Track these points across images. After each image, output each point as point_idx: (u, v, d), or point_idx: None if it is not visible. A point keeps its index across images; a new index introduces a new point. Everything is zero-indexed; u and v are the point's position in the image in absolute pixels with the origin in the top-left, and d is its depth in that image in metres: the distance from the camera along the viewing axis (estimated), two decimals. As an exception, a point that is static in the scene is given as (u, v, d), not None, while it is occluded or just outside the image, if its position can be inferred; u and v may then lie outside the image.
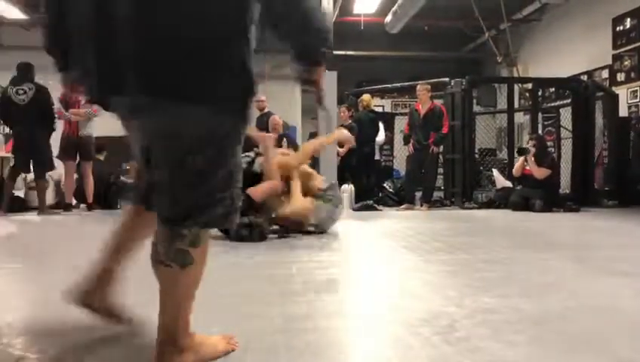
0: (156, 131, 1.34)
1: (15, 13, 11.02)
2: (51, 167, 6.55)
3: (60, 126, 6.72)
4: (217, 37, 1.29)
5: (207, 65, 1.27)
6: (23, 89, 6.33)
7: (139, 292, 1.74)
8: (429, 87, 7.48)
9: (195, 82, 1.27)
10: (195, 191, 1.32)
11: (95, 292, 1.61)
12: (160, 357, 1.37)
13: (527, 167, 6.95)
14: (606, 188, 8.09)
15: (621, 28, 9.20)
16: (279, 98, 12.72)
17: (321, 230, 4.18)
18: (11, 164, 6.81)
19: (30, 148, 6.34)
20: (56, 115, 6.48)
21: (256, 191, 3.78)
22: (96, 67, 1.31)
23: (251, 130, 3.86)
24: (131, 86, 1.27)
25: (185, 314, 1.40)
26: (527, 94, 10.10)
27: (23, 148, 6.37)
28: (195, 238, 1.33)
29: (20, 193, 7.15)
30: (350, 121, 7.83)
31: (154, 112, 1.30)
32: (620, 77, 9.20)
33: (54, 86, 6.81)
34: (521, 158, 7.03)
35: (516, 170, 7.15)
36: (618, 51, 9.24)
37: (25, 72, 6.45)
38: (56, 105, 6.62)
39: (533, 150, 6.88)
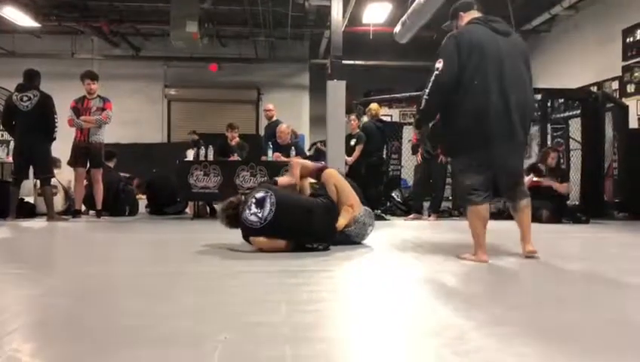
0: (515, 156, 3.49)
1: (27, 22, 11.16)
2: (51, 173, 6.58)
3: (71, 132, 6.77)
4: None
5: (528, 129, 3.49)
6: (27, 95, 6.39)
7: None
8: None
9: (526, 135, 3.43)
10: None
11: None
12: (530, 249, 3.45)
13: (534, 179, 6.91)
14: (616, 200, 8.02)
15: (631, 39, 9.17)
16: (288, 107, 12.79)
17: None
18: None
19: (30, 155, 6.38)
20: (56, 122, 6.47)
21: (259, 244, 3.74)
22: (502, 128, 3.29)
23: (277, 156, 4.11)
24: (520, 137, 3.36)
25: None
26: (536, 105, 10.05)
27: (23, 154, 6.41)
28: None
29: (29, 199, 7.20)
30: (358, 131, 7.84)
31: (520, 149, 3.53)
32: (630, 88, 9.16)
33: (61, 93, 6.91)
34: (531, 175, 6.98)
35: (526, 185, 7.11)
36: (628, 63, 9.21)
37: (30, 79, 6.51)
38: (68, 113, 6.68)
39: (546, 171, 6.88)
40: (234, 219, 3.90)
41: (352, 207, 4.13)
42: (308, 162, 4.45)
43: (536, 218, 6.64)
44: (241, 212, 3.78)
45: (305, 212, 3.82)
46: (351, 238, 4.19)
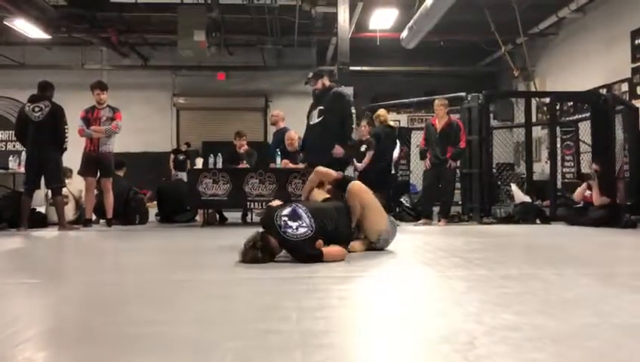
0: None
1: (38, 34, 11.29)
2: (62, 183, 6.62)
3: (82, 142, 6.84)
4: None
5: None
6: (39, 106, 6.46)
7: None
8: (447, 102, 7.46)
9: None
10: None
11: None
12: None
13: (587, 194, 6.96)
14: (628, 203, 7.94)
15: (640, 41, 9.12)
16: (296, 114, 12.82)
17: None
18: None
19: (41, 165, 6.44)
20: (67, 133, 6.53)
21: (329, 254, 3.58)
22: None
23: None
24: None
25: None
26: (545, 108, 10.02)
27: (35, 164, 6.47)
28: None
29: (41, 209, 7.26)
30: (369, 136, 7.84)
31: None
32: (640, 90, 9.11)
33: (71, 104, 6.96)
34: (584, 184, 7.00)
35: (577, 195, 7.16)
36: (637, 64, 9.15)
37: (43, 90, 6.59)
38: (79, 123, 6.74)
39: (593, 175, 6.92)
40: (266, 248, 3.53)
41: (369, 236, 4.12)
42: (330, 171, 4.34)
43: (582, 222, 6.70)
44: (281, 233, 3.51)
45: (333, 215, 3.81)
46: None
